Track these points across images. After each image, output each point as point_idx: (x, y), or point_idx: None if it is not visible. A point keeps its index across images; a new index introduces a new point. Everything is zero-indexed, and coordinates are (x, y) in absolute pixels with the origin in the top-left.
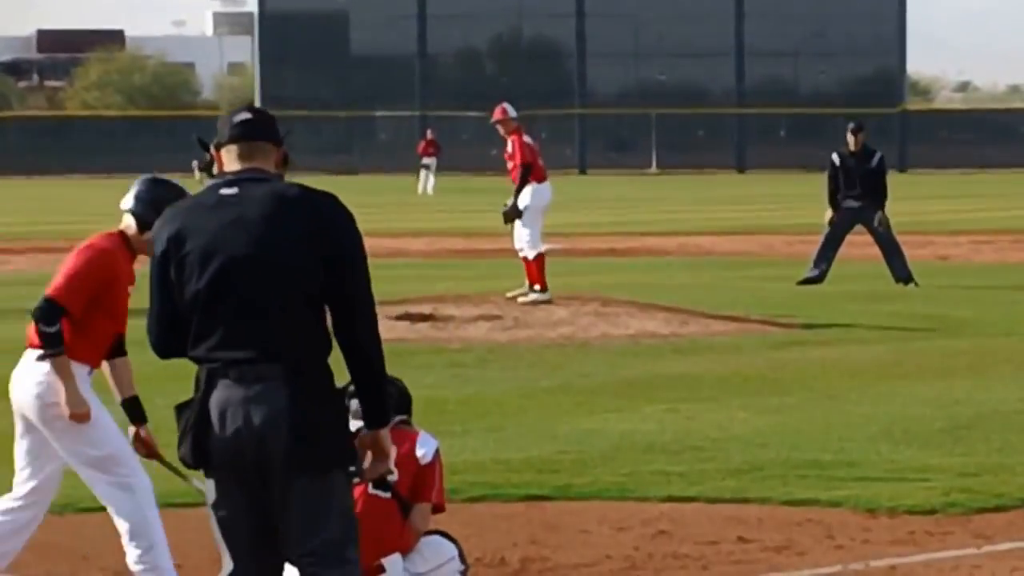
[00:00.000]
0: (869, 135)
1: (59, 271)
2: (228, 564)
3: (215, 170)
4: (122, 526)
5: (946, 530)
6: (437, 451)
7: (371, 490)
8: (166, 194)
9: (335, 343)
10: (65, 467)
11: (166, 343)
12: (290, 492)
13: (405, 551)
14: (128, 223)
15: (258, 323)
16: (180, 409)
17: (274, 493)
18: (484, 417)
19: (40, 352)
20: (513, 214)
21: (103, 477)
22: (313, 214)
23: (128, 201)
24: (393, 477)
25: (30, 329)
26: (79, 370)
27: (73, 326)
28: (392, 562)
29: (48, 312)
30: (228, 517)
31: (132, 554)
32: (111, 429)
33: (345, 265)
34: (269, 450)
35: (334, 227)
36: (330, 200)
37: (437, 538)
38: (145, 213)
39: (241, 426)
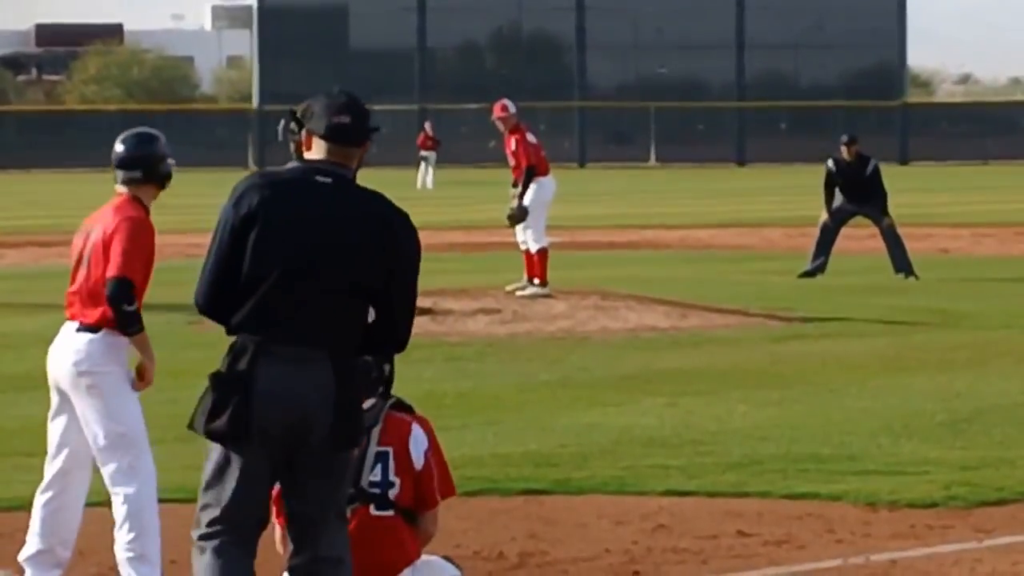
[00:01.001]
0: (860, 145)
1: (113, 250)
2: (214, 511)
3: (293, 150)
4: (119, 511)
5: (947, 524)
6: (428, 448)
7: (374, 511)
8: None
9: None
10: None
11: (214, 301)
12: (316, 467)
13: (412, 562)
14: (124, 189)
15: (317, 308)
16: (219, 381)
17: (300, 467)
18: (483, 411)
19: (80, 324)
20: (519, 216)
21: (114, 457)
22: (390, 226)
23: (129, 165)
24: (394, 491)
25: (73, 301)
26: (122, 340)
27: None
28: None
29: (125, 291)
30: (244, 481)
31: (122, 539)
32: (136, 410)
33: (402, 278)
34: (312, 426)
35: (403, 243)
36: (404, 218)
37: (438, 560)
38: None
39: (290, 403)
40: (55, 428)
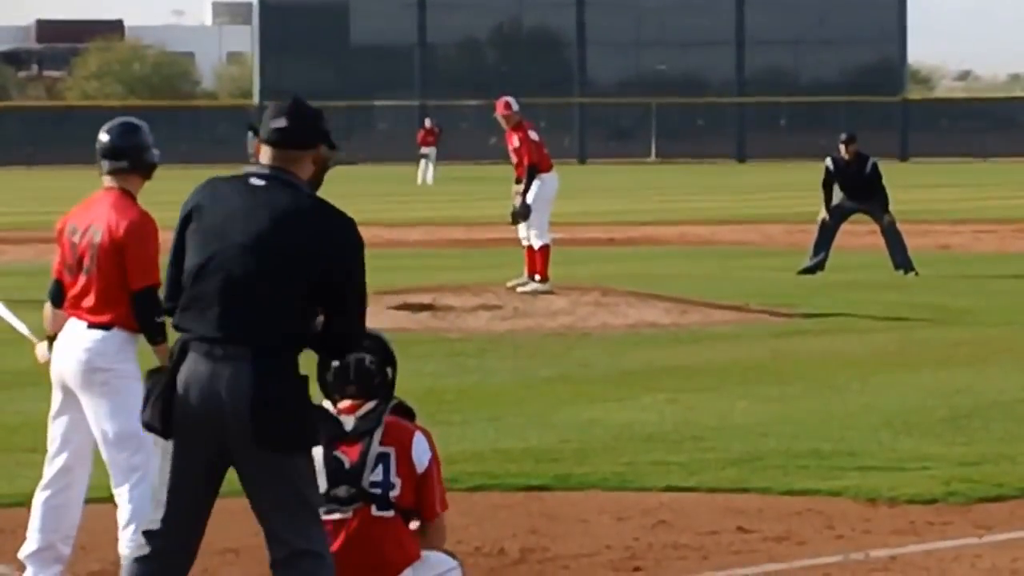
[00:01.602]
0: (858, 143)
1: (131, 259)
2: (160, 510)
3: (252, 157)
4: (123, 510)
5: (946, 520)
6: (431, 457)
7: (375, 512)
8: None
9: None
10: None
11: (170, 304)
12: (255, 469)
13: (412, 562)
14: (110, 180)
15: (238, 307)
16: (151, 374)
17: (240, 467)
18: (484, 407)
19: (90, 322)
20: (523, 214)
21: (121, 456)
22: (320, 228)
23: (115, 155)
24: (395, 492)
25: (79, 302)
26: (131, 338)
27: (124, 295)
28: None
29: (155, 301)
30: (179, 475)
31: (125, 537)
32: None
33: (341, 280)
34: (229, 425)
35: (339, 244)
36: (341, 220)
37: (436, 554)
38: (139, 155)
39: (206, 399)
40: (57, 426)
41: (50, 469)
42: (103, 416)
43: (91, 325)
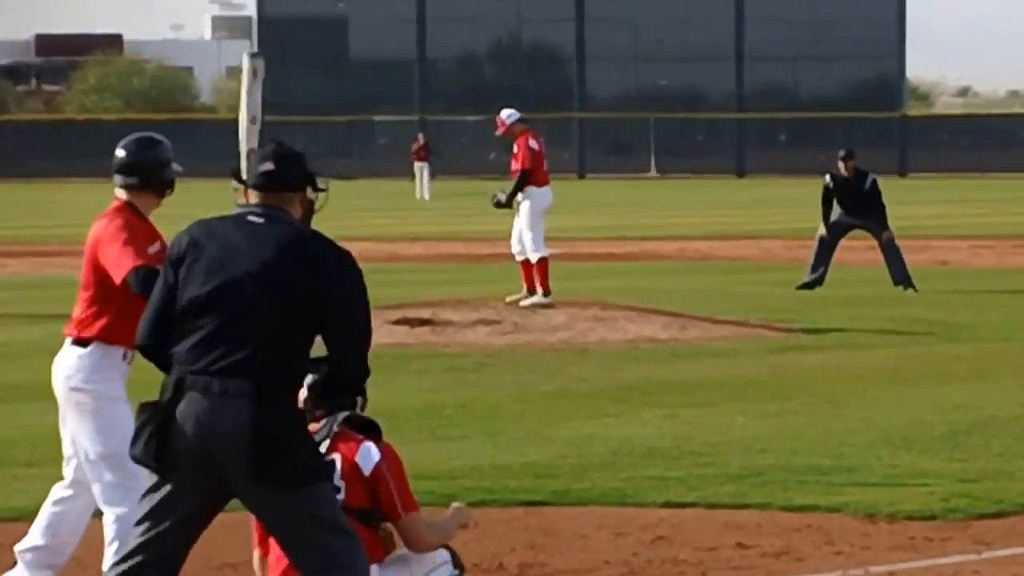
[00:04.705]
0: (857, 160)
1: (107, 255)
2: (142, 538)
3: (239, 200)
4: (109, 529)
5: (946, 536)
6: (380, 461)
7: None
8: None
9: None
10: None
11: (149, 340)
12: (267, 506)
13: (376, 560)
14: (123, 195)
15: (238, 340)
16: (143, 408)
17: (251, 505)
18: (482, 422)
19: (73, 339)
20: (505, 204)
21: (105, 476)
22: (323, 260)
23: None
24: (340, 495)
25: (71, 317)
26: (114, 353)
27: (114, 307)
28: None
29: (148, 279)
30: (167, 510)
31: (109, 555)
32: (128, 428)
33: (342, 314)
34: (231, 463)
35: (338, 279)
36: (341, 254)
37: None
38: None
39: (205, 440)
40: (65, 437)
41: (65, 473)
42: (83, 436)
43: (74, 342)
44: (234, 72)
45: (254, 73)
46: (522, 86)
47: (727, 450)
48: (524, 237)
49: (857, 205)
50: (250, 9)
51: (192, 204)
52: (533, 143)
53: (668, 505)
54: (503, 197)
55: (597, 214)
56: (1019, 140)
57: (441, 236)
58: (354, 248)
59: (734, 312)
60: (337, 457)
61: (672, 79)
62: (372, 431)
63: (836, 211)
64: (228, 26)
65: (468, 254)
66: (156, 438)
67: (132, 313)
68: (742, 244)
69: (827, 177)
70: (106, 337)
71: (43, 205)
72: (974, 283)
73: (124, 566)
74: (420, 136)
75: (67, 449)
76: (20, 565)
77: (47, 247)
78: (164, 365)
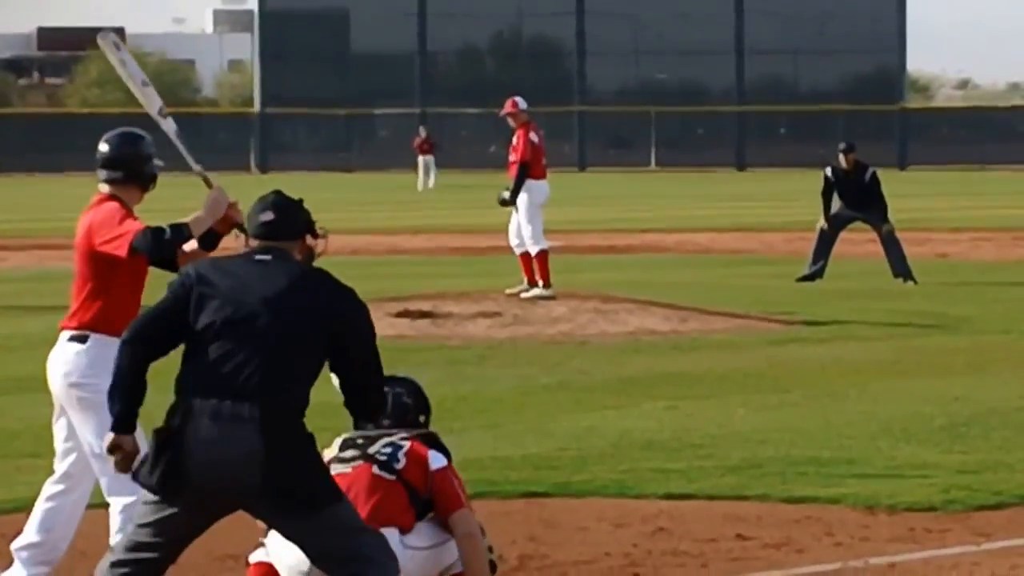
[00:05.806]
0: (857, 152)
1: (100, 235)
2: (128, 541)
3: (243, 245)
4: (115, 519)
5: (945, 527)
6: (449, 465)
7: (376, 471)
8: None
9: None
10: None
11: (136, 342)
12: (291, 528)
13: (404, 529)
14: (106, 188)
15: (249, 366)
16: (157, 434)
17: (273, 526)
18: (483, 414)
19: (71, 334)
20: (510, 202)
21: (108, 468)
22: (331, 293)
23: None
24: (399, 464)
25: (68, 310)
26: (113, 346)
27: (112, 299)
28: (387, 533)
29: (155, 237)
30: (172, 528)
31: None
32: None
33: (354, 348)
34: (238, 486)
35: (348, 314)
36: (346, 289)
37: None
38: (132, 165)
39: (213, 461)
40: (58, 430)
41: (58, 468)
42: (87, 431)
43: (71, 338)
44: (236, 66)
45: (116, 47)
46: (522, 80)
47: (727, 442)
48: (523, 230)
49: (857, 198)
50: (251, 3)
51: (195, 198)
52: (533, 136)
53: (668, 497)
54: (507, 195)
55: (597, 207)
56: (1019, 133)
57: (442, 229)
58: (355, 241)
59: (734, 304)
60: (406, 445)
61: (672, 73)
62: (438, 448)
63: (836, 204)
64: (230, 20)
65: (469, 247)
66: (165, 466)
67: (130, 305)
68: (742, 237)
69: (827, 170)
70: (105, 330)
71: (45, 199)
72: (974, 276)
73: (115, 572)
74: (421, 129)
75: (59, 444)
76: (16, 563)
77: (49, 240)
78: (130, 364)
